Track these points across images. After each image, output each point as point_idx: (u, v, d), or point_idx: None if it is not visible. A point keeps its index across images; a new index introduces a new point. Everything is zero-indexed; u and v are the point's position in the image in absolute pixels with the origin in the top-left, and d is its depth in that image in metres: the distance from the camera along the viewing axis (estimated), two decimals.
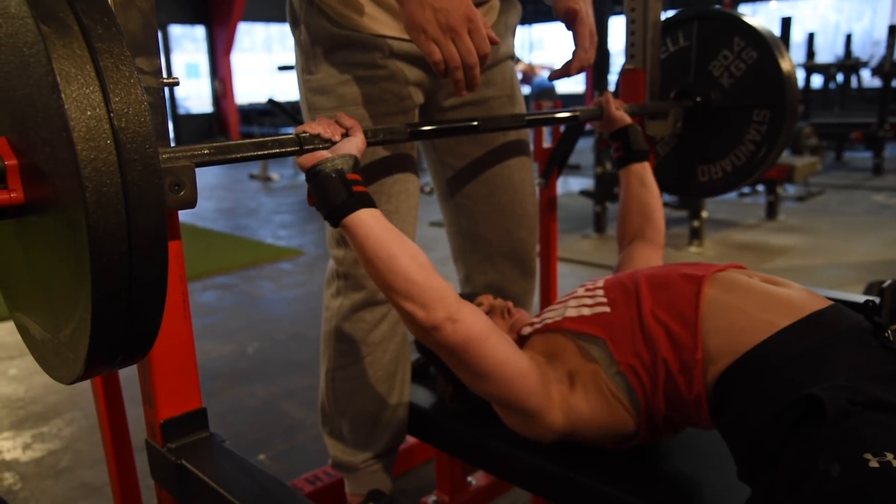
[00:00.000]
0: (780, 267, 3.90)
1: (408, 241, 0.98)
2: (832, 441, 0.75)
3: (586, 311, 1.07)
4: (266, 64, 13.34)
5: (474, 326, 0.96)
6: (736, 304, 0.95)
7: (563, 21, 1.30)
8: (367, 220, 0.96)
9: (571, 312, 1.09)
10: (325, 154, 0.99)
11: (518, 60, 8.72)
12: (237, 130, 11.80)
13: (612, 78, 7.00)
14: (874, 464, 0.70)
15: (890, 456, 0.70)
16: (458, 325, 0.95)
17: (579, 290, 1.15)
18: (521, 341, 1.14)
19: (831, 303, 0.94)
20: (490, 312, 1.27)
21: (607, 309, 1.05)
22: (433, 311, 0.94)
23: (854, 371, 0.81)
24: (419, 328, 0.97)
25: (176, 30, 11.82)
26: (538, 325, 1.12)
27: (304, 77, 1.27)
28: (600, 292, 1.10)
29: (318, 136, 1.00)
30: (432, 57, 1.02)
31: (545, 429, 1.04)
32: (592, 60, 1.32)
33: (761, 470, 0.83)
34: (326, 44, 1.21)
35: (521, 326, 1.17)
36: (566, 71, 1.30)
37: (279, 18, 12.55)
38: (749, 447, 0.86)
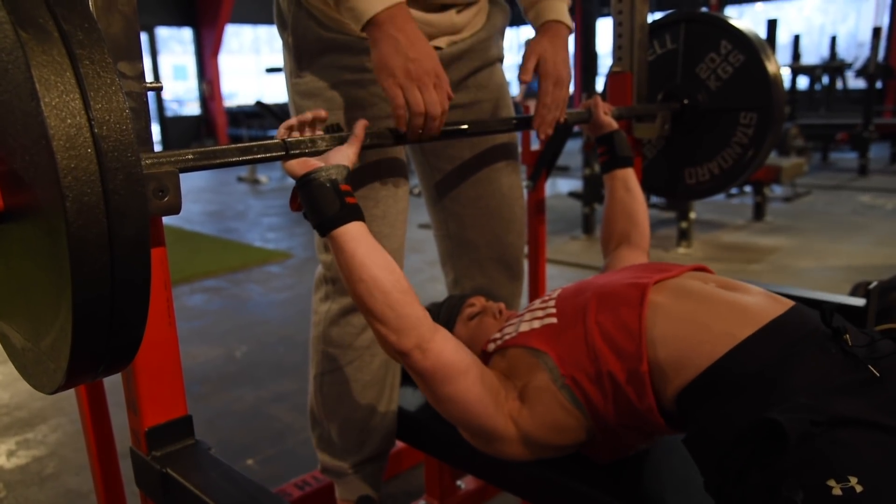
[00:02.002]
0: (768, 268, 3.92)
1: (391, 264, 0.98)
2: (795, 467, 0.74)
3: (536, 324, 1.07)
4: (254, 66, 13.29)
5: (442, 356, 0.98)
6: (690, 314, 0.93)
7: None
8: (355, 236, 0.96)
9: (524, 327, 1.09)
10: (317, 163, 0.98)
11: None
12: (225, 133, 11.74)
13: (600, 79, 7.02)
14: (837, 491, 0.70)
15: (853, 481, 0.70)
16: (427, 353, 0.97)
17: (536, 303, 1.15)
18: (487, 358, 1.15)
19: (792, 304, 0.93)
20: (482, 314, 1.27)
21: (554, 320, 1.05)
22: (404, 338, 0.97)
23: (816, 383, 0.81)
24: (389, 350, 1.00)
25: (163, 32, 11.75)
26: (499, 342, 1.12)
27: (292, 80, 1.26)
28: (552, 303, 1.10)
29: (304, 141, 1.00)
30: (395, 101, 1.05)
31: (503, 447, 1.04)
32: (559, 117, 1.28)
33: (727, 487, 0.82)
34: (315, 47, 1.20)
35: (486, 342, 1.17)
36: (538, 128, 1.29)
37: (267, 20, 12.52)
38: (714, 465, 0.85)
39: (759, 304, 0.92)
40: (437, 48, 1.23)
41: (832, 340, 0.86)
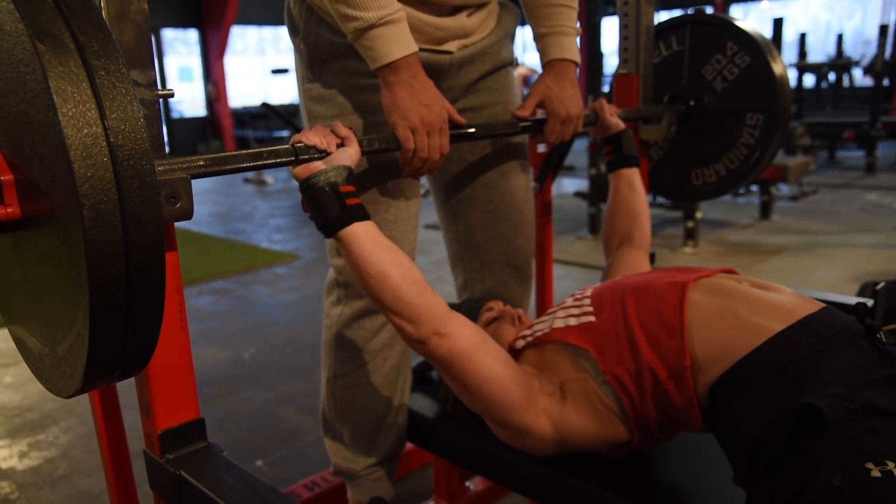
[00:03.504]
0: (775, 267, 3.92)
1: (400, 256, 0.99)
2: (833, 451, 0.75)
3: (573, 322, 1.08)
4: (259, 67, 13.32)
5: (460, 342, 0.99)
6: (725, 309, 0.95)
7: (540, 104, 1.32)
8: (359, 236, 0.97)
9: (559, 323, 1.10)
10: (319, 165, 0.99)
11: (518, 65, 8.73)
12: (231, 134, 11.77)
13: (605, 79, 7.00)
14: (876, 473, 0.71)
15: (891, 465, 0.71)
16: (444, 339, 0.98)
17: (568, 301, 1.16)
18: (515, 355, 1.15)
19: (823, 305, 0.94)
20: (500, 318, 1.28)
21: (593, 318, 1.06)
22: (421, 326, 0.98)
23: (849, 376, 0.81)
24: (408, 340, 1.01)
25: (169, 33, 11.78)
26: (530, 339, 1.13)
27: (304, 85, 1.26)
28: (587, 301, 1.11)
29: (313, 146, 1.01)
30: (407, 143, 1.09)
31: (534, 442, 1.06)
32: (566, 137, 1.34)
33: (759, 476, 0.83)
34: (327, 52, 1.21)
35: (514, 339, 1.18)
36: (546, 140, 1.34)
37: (272, 21, 12.53)
38: (746, 453, 0.86)
39: (793, 302, 0.94)
40: (448, 52, 1.24)
41: (865, 338, 0.86)
